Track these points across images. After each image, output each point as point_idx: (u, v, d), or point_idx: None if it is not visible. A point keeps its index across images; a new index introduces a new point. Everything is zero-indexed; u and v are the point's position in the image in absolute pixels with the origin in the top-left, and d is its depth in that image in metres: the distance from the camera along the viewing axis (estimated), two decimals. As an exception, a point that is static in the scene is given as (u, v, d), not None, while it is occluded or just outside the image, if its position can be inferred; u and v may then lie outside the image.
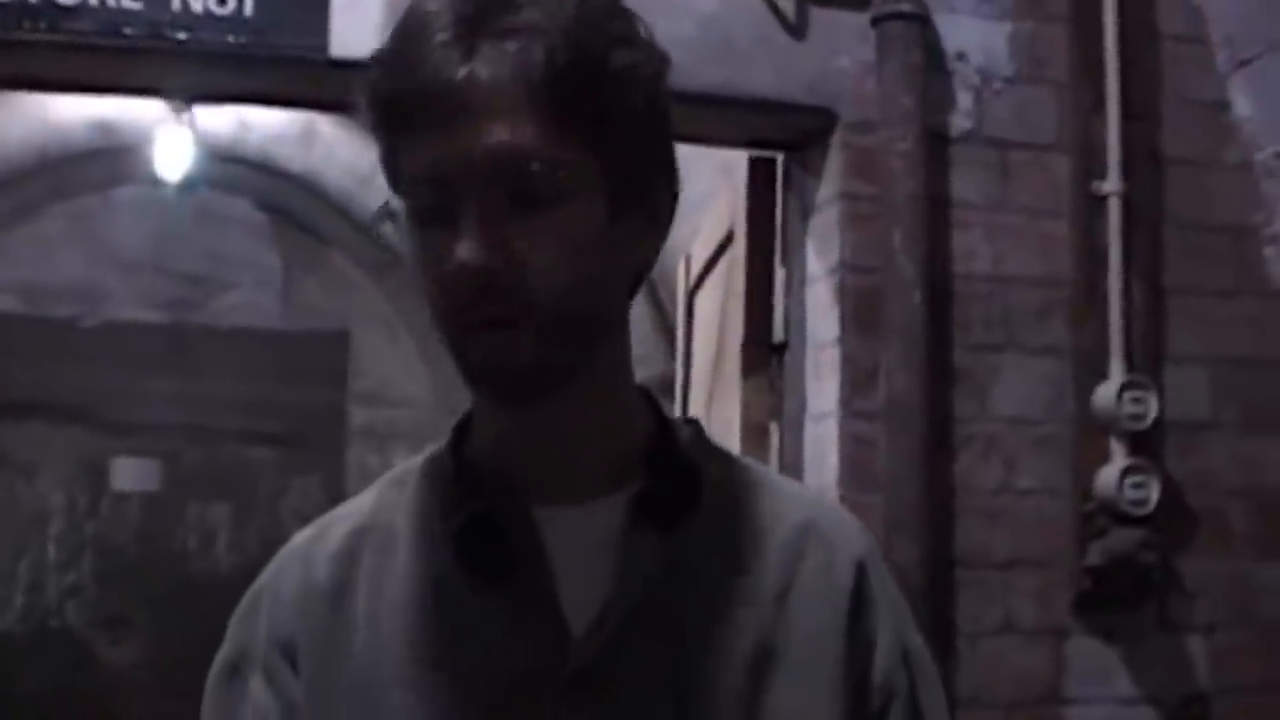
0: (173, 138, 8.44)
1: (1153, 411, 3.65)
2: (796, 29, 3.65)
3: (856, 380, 3.60)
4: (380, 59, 1.38)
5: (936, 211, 3.65)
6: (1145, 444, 3.70)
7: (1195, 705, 3.76)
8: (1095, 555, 3.64)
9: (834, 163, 3.69)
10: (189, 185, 9.09)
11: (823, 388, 3.69)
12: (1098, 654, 3.69)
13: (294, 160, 9.53)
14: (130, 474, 10.39)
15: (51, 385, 9.85)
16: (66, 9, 3.21)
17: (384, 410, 10.72)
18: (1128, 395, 3.64)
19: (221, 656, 1.54)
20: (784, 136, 3.83)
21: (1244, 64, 3.88)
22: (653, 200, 1.45)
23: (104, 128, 8.71)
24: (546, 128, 1.33)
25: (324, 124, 8.60)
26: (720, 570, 1.49)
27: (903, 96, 3.58)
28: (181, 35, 3.29)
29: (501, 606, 1.43)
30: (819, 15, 3.66)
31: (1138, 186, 3.77)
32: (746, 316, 3.97)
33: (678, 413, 3.74)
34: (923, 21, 3.63)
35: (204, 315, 10.56)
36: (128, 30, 3.26)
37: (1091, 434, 3.70)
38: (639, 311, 1.56)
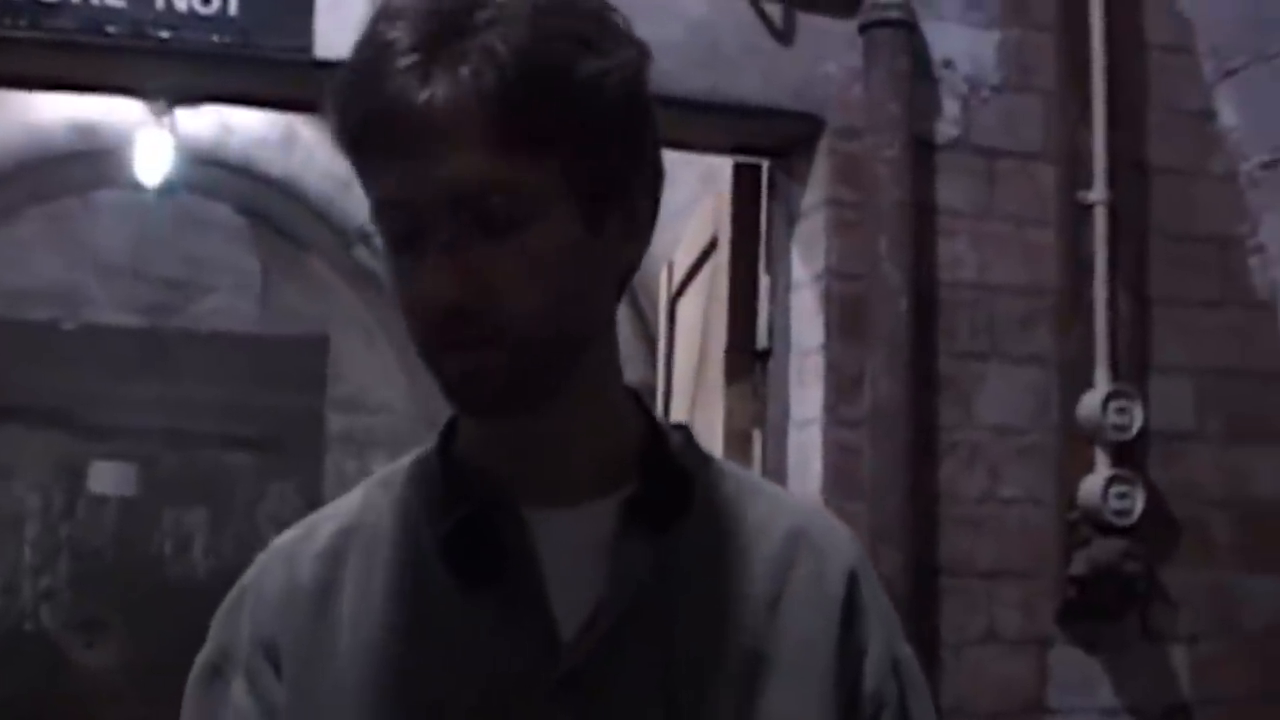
0: (153, 141, 8.41)
1: (1137, 421, 3.65)
2: (784, 35, 3.64)
3: (841, 387, 3.58)
4: (339, 84, 1.36)
5: (922, 219, 3.64)
6: (1130, 454, 3.69)
7: (1178, 716, 3.76)
8: (1079, 565, 3.63)
9: (820, 169, 3.67)
10: (169, 189, 9.06)
11: (807, 395, 3.68)
12: (1081, 664, 3.68)
13: (274, 164, 9.49)
14: (107, 478, 10.37)
15: (29, 388, 9.83)
16: (48, 6, 3.19)
17: (362, 417, 10.70)
18: (1112, 405, 3.63)
19: (203, 657, 1.53)
20: (770, 142, 3.81)
21: (1230, 74, 3.88)
22: (632, 202, 1.43)
23: (84, 130, 8.67)
24: (507, 151, 1.30)
25: (304, 128, 8.57)
26: (711, 575, 1.48)
27: (889, 103, 3.57)
28: (165, 34, 3.27)
29: (490, 609, 1.42)
30: (806, 21, 3.65)
31: (1123, 196, 3.77)
32: (730, 323, 3.95)
33: (661, 419, 3.72)
34: (910, 29, 3.63)
35: (183, 319, 10.54)
36: (110, 28, 3.24)
37: (1076, 443, 3.69)
38: (619, 318, 1.54)
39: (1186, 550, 3.80)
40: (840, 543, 1.58)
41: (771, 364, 3.86)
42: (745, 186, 3.98)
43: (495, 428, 1.47)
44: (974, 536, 3.64)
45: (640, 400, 1.57)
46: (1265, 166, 3.86)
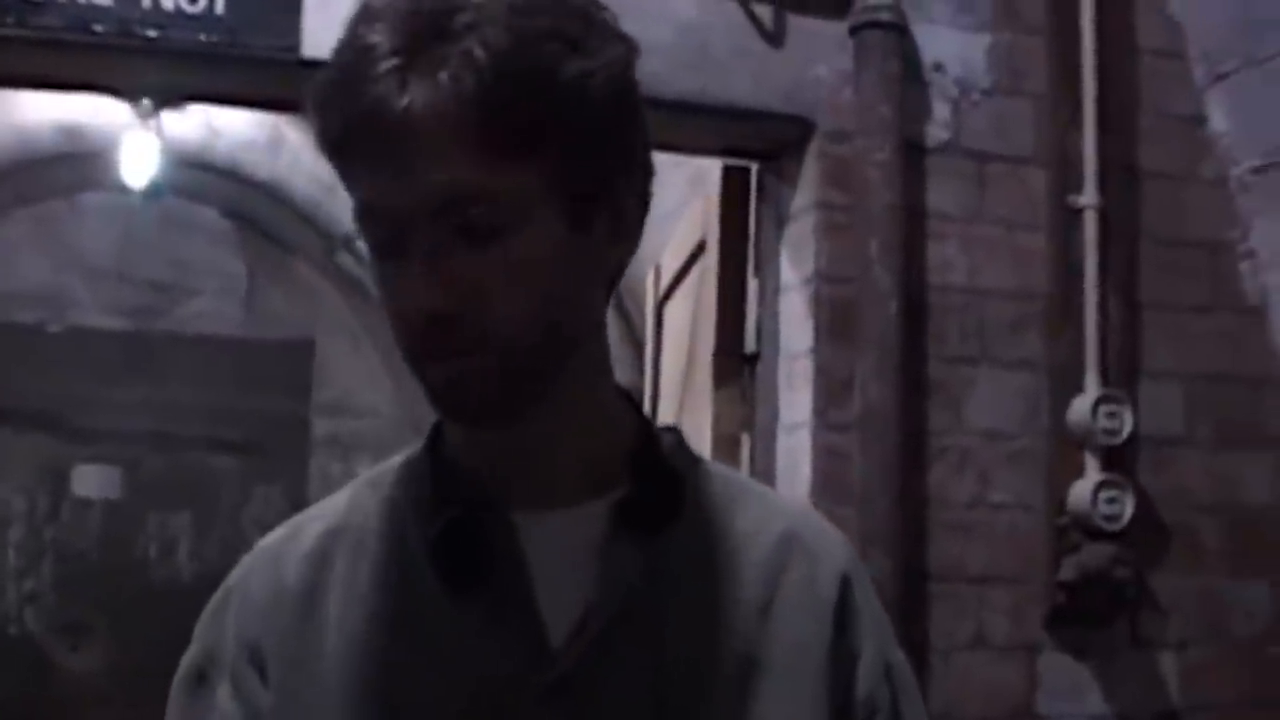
0: (139, 143, 8.39)
1: (1127, 426, 3.64)
2: (774, 37, 3.63)
3: (830, 391, 3.58)
4: (319, 88, 1.34)
5: (913, 222, 3.63)
6: (1119, 459, 3.69)
7: (1167, 722, 3.75)
8: (1068, 570, 3.62)
9: (810, 172, 3.67)
10: (155, 192, 9.04)
11: (796, 399, 3.67)
12: (1070, 670, 3.67)
13: (261, 168, 9.49)
14: (92, 481, 10.36)
15: (14, 390, 9.81)
16: (35, 4, 3.16)
17: (347, 421, 10.69)
18: (1102, 409, 3.63)
19: (187, 660, 1.51)
20: (760, 145, 3.80)
21: (1221, 78, 3.87)
22: (620, 202, 1.41)
23: (71, 132, 8.66)
24: (489, 158, 1.29)
25: (291, 131, 8.55)
26: (703, 579, 1.47)
27: (880, 106, 3.57)
28: (152, 33, 3.25)
29: (479, 613, 1.40)
30: (796, 23, 3.65)
31: (1114, 200, 3.76)
32: (719, 326, 3.94)
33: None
34: (900, 31, 3.62)
35: (169, 323, 10.53)
36: (97, 27, 3.22)
37: (1066, 448, 3.69)
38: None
39: (1176, 556, 3.80)
40: (833, 546, 1.56)
41: (760, 368, 3.85)
42: (734, 189, 3.97)
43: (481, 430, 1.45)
44: (963, 542, 3.63)
45: (632, 401, 1.56)
46: (1256, 171, 3.85)
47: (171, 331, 10.50)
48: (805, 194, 3.69)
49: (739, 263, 3.94)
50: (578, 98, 1.32)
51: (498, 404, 1.37)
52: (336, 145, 1.34)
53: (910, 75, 3.66)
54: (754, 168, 3.92)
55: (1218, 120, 3.91)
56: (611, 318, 1.52)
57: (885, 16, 3.59)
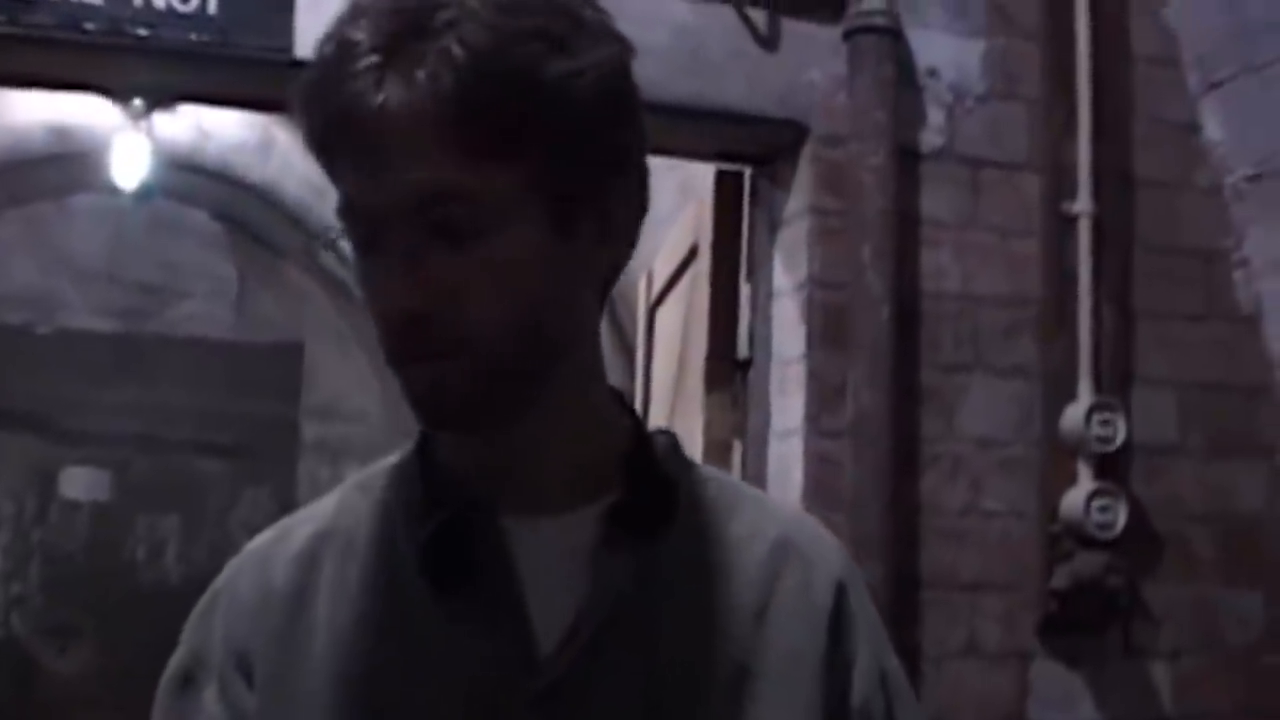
0: (130, 145, 8.39)
1: (1121, 434, 3.63)
2: (768, 41, 3.62)
3: (822, 397, 3.56)
4: (303, 85, 1.33)
5: (906, 228, 3.62)
6: (1112, 467, 3.68)
7: (1159, 732, 3.74)
8: (1061, 578, 3.62)
9: (803, 177, 3.66)
10: (145, 194, 9.04)
11: (788, 404, 3.66)
12: (1062, 678, 3.66)
13: (251, 170, 9.49)
14: (80, 483, 10.35)
15: (3, 392, 9.82)
16: (26, 2, 3.15)
17: (336, 424, 10.68)
18: (1096, 417, 3.62)
19: (174, 662, 1.50)
20: (754, 149, 3.79)
21: (1215, 86, 3.87)
22: (607, 205, 1.39)
23: (61, 133, 8.66)
24: (467, 157, 1.28)
25: (282, 134, 8.55)
26: (696, 586, 1.46)
27: (874, 111, 3.55)
28: (143, 32, 3.24)
29: (468, 618, 1.39)
30: (791, 28, 3.64)
31: (1108, 207, 3.76)
32: (711, 332, 3.94)
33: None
34: (895, 36, 3.61)
35: (158, 325, 10.53)
36: (88, 26, 3.20)
37: (1059, 456, 3.68)
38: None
39: (1169, 565, 3.79)
40: (828, 552, 1.55)
41: (752, 373, 3.84)
42: (727, 194, 3.97)
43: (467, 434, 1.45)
44: (956, 549, 3.62)
45: (625, 404, 1.55)
46: (1250, 180, 3.84)
47: (161, 334, 10.50)
48: (798, 199, 3.68)
49: (731, 268, 3.94)
50: (561, 98, 1.30)
51: (477, 409, 1.36)
52: (319, 142, 1.34)
53: (904, 80, 3.65)
54: (747, 172, 3.91)
55: (1212, 128, 3.90)
56: (602, 323, 1.51)
57: (880, 21, 3.58)
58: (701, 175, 4.04)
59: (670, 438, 1.56)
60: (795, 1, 3.64)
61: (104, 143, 8.45)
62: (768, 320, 3.78)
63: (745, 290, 3.89)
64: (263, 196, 9.80)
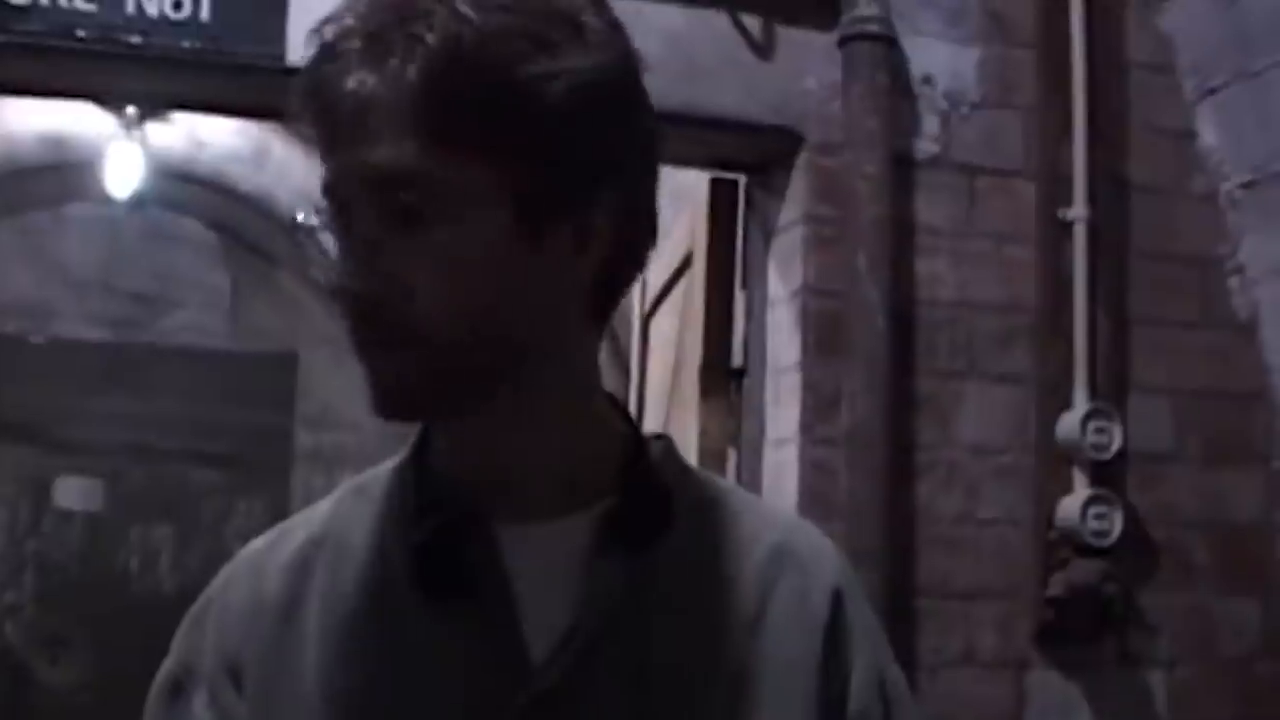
0: (123, 154, 8.39)
1: (1116, 441, 3.63)
2: (763, 48, 3.61)
3: (817, 406, 3.56)
4: (299, 74, 1.35)
5: (901, 236, 3.62)
6: (1108, 474, 3.68)
7: (1156, 740, 3.74)
8: (1057, 586, 3.61)
9: (798, 185, 3.65)
10: (139, 203, 9.04)
11: (783, 413, 3.65)
12: (1058, 687, 3.65)
13: (246, 180, 9.48)
14: (74, 493, 10.33)
15: (-3, 401, 9.79)
16: (17, 9, 3.14)
17: (331, 434, 10.66)
18: (1091, 425, 3.61)
19: (165, 669, 1.49)
20: (748, 157, 3.79)
21: (1211, 93, 3.86)
22: (585, 217, 1.37)
23: (55, 143, 8.65)
24: (425, 144, 1.28)
25: (276, 143, 8.54)
26: (691, 594, 1.44)
27: (869, 119, 3.55)
28: (135, 39, 3.23)
29: (459, 627, 1.39)
30: (785, 35, 3.63)
31: (1103, 214, 3.75)
32: (705, 340, 3.93)
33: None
34: (890, 43, 3.61)
35: (152, 335, 10.52)
36: (80, 33, 3.20)
37: (1054, 463, 3.67)
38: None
39: (1164, 573, 3.78)
40: (825, 559, 1.54)
41: (747, 382, 3.83)
42: (721, 202, 3.96)
43: (451, 430, 1.45)
44: (951, 557, 3.61)
45: (623, 411, 1.54)
46: (1246, 186, 3.84)
47: (155, 344, 10.48)
48: (793, 207, 3.67)
49: (726, 276, 3.93)
50: (533, 99, 1.30)
51: (425, 403, 1.37)
52: (304, 127, 1.35)
53: (899, 88, 3.64)
54: (741, 180, 3.90)
55: (1207, 135, 3.90)
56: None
57: (874, 29, 3.57)
58: (693, 183, 4.02)
59: (667, 443, 1.55)
60: (790, 9, 3.63)
61: (98, 152, 8.45)
62: (762, 328, 3.78)
63: (740, 298, 3.89)
64: (257, 206, 9.78)
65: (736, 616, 1.44)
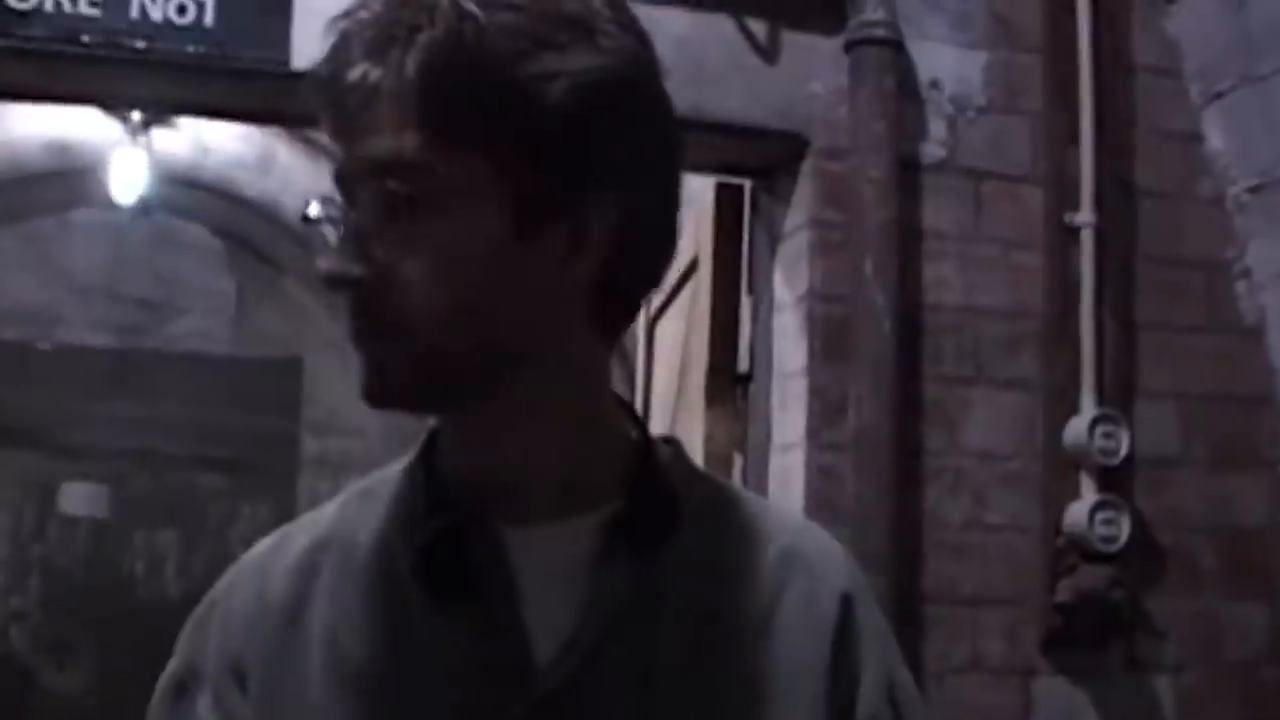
0: (129, 160, 8.39)
1: (1124, 446, 3.62)
2: (768, 52, 3.61)
3: (824, 411, 3.55)
4: (314, 66, 1.37)
5: (908, 241, 3.60)
6: (1115, 479, 3.66)
7: (1164, 746, 3.72)
8: (1064, 592, 3.59)
9: (804, 189, 3.64)
10: (144, 209, 9.05)
11: (789, 418, 3.64)
12: (1065, 693, 3.64)
13: (251, 185, 9.49)
14: (79, 498, 10.35)
15: (2, 407, 9.80)
16: (21, 14, 3.14)
17: (336, 439, 10.67)
18: (1099, 430, 3.60)
19: (169, 671, 1.49)
20: (754, 162, 3.78)
21: (1217, 97, 3.86)
22: (582, 219, 1.36)
23: (60, 149, 8.66)
24: (425, 135, 1.29)
25: (282, 149, 8.56)
26: (698, 596, 1.44)
27: (875, 123, 3.54)
28: (140, 44, 3.23)
29: (464, 629, 1.38)
30: (791, 39, 3.62)
31: (1110, 219, 3.75)
32: (711, 345, 3.92)
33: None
34: (896, 48, 3.60)
35: (157, 340, 10.55)
36: (84, 38, 3.20)
37: (1062, 469, 3.66)
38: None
39: (1172, 578, 3.77)
40: (834, 563, 1.54)
41: (753, 387, 3.83)
42: (727, 206, 3.95)
43: (455, 427, 1.45)
44: (958, 563, 3.60)
45: (632, 413, 1.53)
46: (1252, 191, 3.83)
47: (160, 349, 10.51)
48: (799, 211, 3.66)
49: (732, 281, 3.92)
50: (533, 97, 1.30)
51: (412, 396, 1.38)
52: (318, 115, 1.37)
53: (906, 92, 3.63)
54: (747, 185, 3.90)
55: (1214, 139, 3.89)
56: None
57: (881, 33, 3.56)
58: (701, 188, 4.02)
59: (675, 447, 1.55)
60: (796, 13, 3.63)
61: (103, 158, 8.46)
62: (768, 333, 3.77)
63: (746, 303, 3.88)
64: (262, 211, 9.80)
65: (744, 619, 1.44)
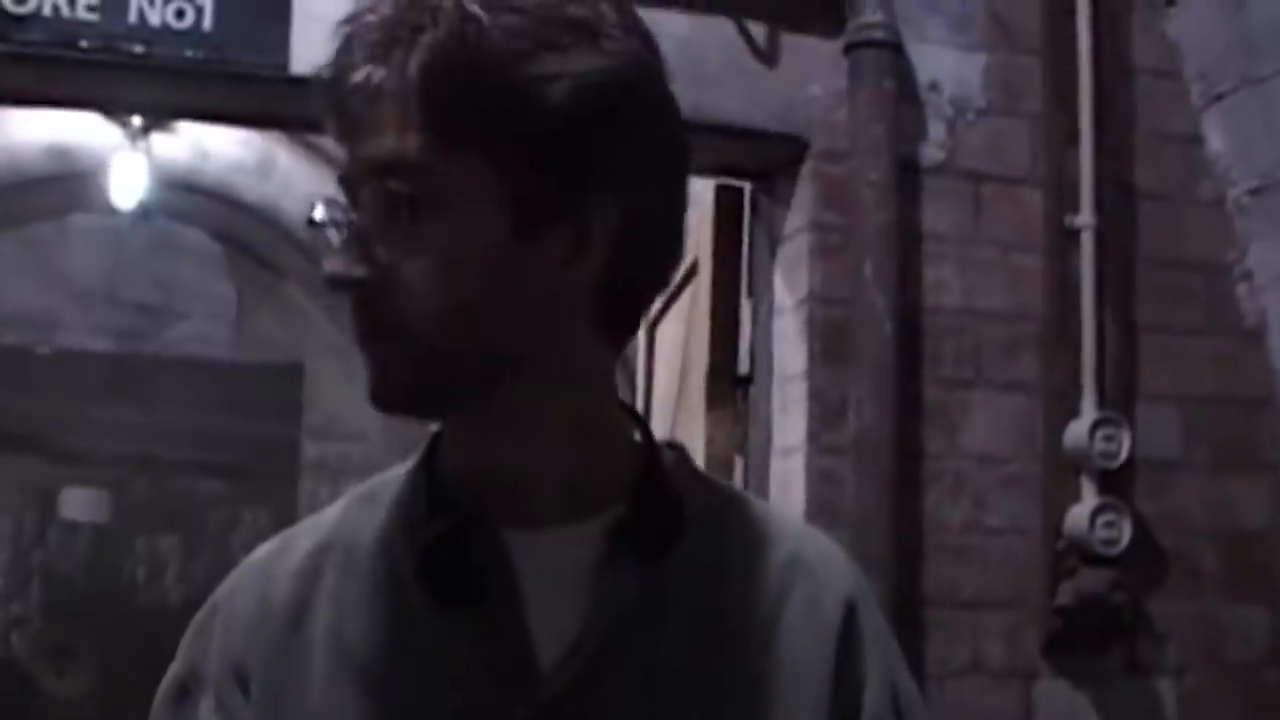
0: (128, 165, 8.39)
1: (1124, 449, 3.61)
2: (768, 55, 3.61)
3: (824, 414, 3.54)
4: (320, 68, 1.37)
5: (907, 243, 3.60)
6: (1116, 482, 3.66)
7: (1165, 750, 3.72)
8: (1065, 595, 3.59)
9: (804, 192, 3.64)
10: (144, 214, 9.05)
11: (789, 421, 3.64)
12: (1066, 696, 3.64)
13: (251, 190, 9.49)
14: (79, 504, 10.35)
15: (2, 413, 9.79)
16: (18, 19, 3.13)
17: (336, 444, 10.67)
18: (1100, 433, 3.60)
19: (171, 674, 1.49)
20: (753, 164, 3.78)
21: (1218, 99, 3.85)
22: (583, 222, 1.35)
23: (59, 154, 8.66)
24: (426, 136, 1.29)
25: (282, 154, 8.55)
26: (701, 602, 1.44)
27: (874, 126, 3.54)
28: (138, 49, 3.22)
29: (467, 634, 1.38)
30: (791, 42, 3.62)
31: (1110, 221, 3.74)
32: (711, 348, 3.92)
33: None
34: (895, 50, 3.59)
35: (157, 345, 10.54)
36: (83, 43, 3.19)
37: (1062, 472, 3.66)
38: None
39: (1173, 581, 3.77)
40: (837, 567, 1.54)
41: (753, 390, 3.82)
42: (726, 209, 3.95)
43: (456, 430, 1.45)
44: (959, 566, 3.60)
45: (637, 417, 1.53)
46: (1252, 193, 3.83)
47: (160, 355, 10.51)
48: (799, 214, 3.66)
49: (732, 284, 3.92)
50: (533, 99, 1.30)
51: (415, 398, 1.38)
52: (324, 116, 1.38)
53: (905, 95, 3.63)
54: (746, 187, 3.89)
55: (1214, 141, 3.89)
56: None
57: (880, 35, 3.56)
58: (701, 190, 4.01)
59: (680, 452, 1.55)
60: (795, 16, 3.62)
61: (102, 163, 8.46)
62: (768, 336, 3.76)
63: (746, 306, 3.88)
64: (262, 216, 9.79)
65: (748, 624, 1.44)
